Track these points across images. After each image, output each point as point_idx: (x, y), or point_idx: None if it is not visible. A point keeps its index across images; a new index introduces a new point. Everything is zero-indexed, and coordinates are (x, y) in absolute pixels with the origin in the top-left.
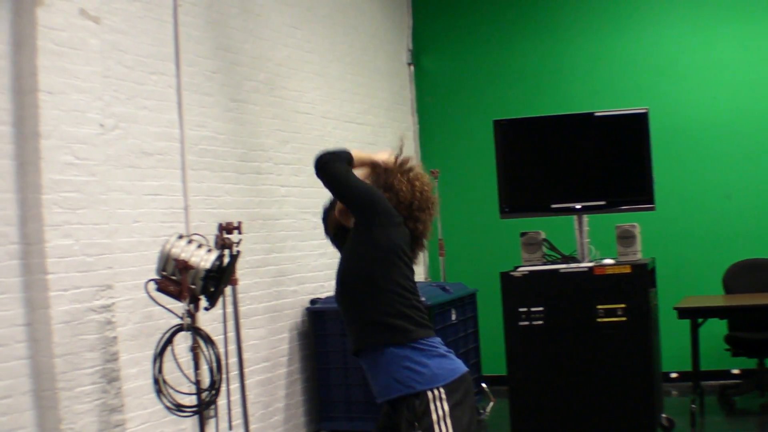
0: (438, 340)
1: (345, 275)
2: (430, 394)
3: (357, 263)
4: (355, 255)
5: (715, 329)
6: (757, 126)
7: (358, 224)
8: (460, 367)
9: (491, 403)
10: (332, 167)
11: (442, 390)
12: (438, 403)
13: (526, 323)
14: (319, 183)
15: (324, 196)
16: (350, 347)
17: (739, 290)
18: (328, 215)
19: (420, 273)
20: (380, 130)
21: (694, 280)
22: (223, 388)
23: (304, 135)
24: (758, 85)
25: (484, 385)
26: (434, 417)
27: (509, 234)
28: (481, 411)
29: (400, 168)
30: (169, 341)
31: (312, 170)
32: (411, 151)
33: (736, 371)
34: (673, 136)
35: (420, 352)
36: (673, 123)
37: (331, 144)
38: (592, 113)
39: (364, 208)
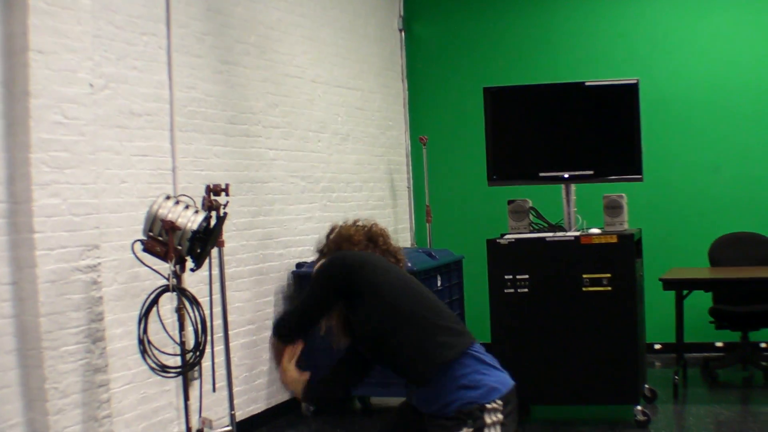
0: (480, 346)
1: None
2: (488, 406)
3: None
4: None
5: (700, 302)
6: (747, 100)
7: (348, 306)
8: (508, 378)
9: None
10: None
11: (498, 402)
12: (493, 415)
13: (512, 291)
14: (308, 147)
15: (313, 160)
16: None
17: (725, 263)
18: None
19: (407, 239)
20: (370, 96)
21: (680, 252)
22: (208, 350)
23: (294, 99)
24: (750, 59)
25: None
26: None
27: (496, 202)
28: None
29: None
30: (154, 302)
31: (301, 134)
32: (400, 118)
33: (719, 344)
34: (662, 108)
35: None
36: (663, 95)
37: (321, 108)
38: (582, 83)
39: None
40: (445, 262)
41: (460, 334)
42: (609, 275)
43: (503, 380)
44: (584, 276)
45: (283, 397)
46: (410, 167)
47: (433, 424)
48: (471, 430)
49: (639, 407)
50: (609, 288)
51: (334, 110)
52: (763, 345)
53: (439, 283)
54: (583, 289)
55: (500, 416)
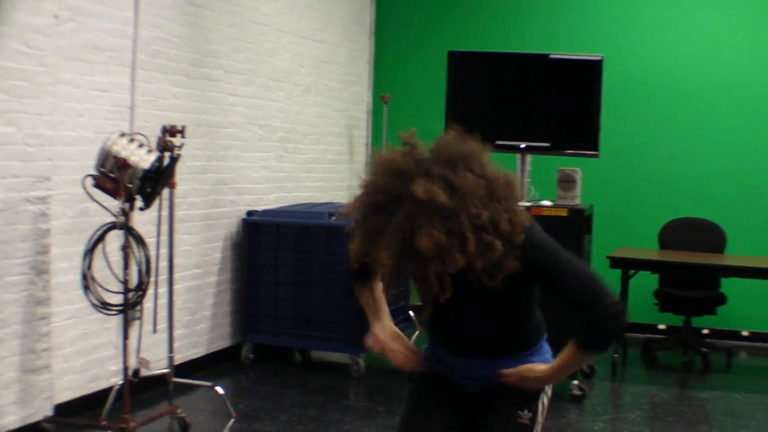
0: None
1: None
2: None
3: None
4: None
5: (647, 283)
6: (710, 90)
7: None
8: None
9: (417, 332)
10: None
11: None
12: (547, 390)
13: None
14: (269, 96)
15: (273, 110)
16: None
17: (674, 247)
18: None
19: None
20: (335, 49)
21: (630, 233)
22: (151, 290)
23: (258, 46)
24: (717, 45)
25: (411, 313)
26: (541, 406)
27: None
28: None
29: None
30: (100, 238)
31: (263, 81)
32: (364, 74)
33: (662, 326)
34: (626, 89)
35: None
36: (628, 75)
37: (285, 58)
38: (547, 55)
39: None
40: None
41: None
42: None
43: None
44: None
45: (224, 343)
46: (370, 124)
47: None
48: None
49: (576, 382)
50: None
51: (298, 61)
52: (705, 331)
53: None
54: None
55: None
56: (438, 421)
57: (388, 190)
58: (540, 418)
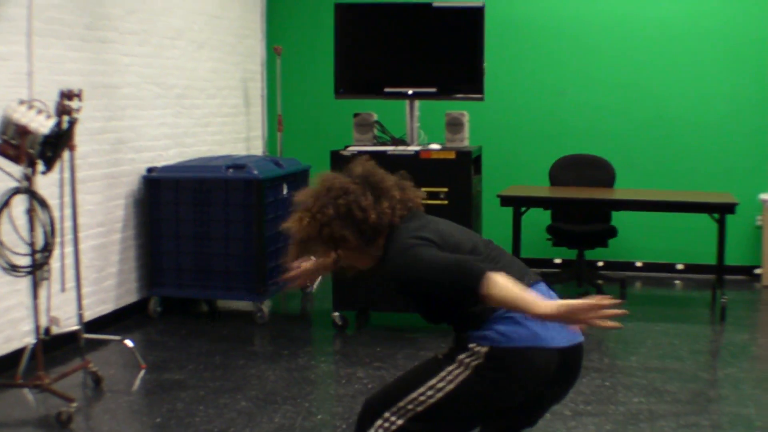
0: None
1: None
2: None
3: None
4: None
5: (539, 219)
6: (594, 24)
7: None
8: None
9: (319, 277)
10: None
11: None
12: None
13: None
14: (163, 54)
15: (168, 67)
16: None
17: (564, 183)
18: None
19: (258, 147)
20: (228, 4)
21: (521, 171)
22: (57, 251)
23: (151, 6)
24: None
25: (313, 258)
26: (461, 362)
27: (346, 114)
28: (309, 285)
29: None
30: (5, 203)
31: (157, 41)
32: (256, 27)
33: (557, 260)
34: (510, 30)
35: None
36: (512, 17)
37: (178, 16)
38: (429, 4)
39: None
40: (292, 171)
41: None
42: (446, 189)
43: None
44: (422, 189)
45: (131, 298)
46: (264, 77)
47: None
48: None
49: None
50: (446, 202)
51: (192, 18)
52: (599, 264)
53: (285, 192)
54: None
55: None
56: None
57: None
58: (455, 370)
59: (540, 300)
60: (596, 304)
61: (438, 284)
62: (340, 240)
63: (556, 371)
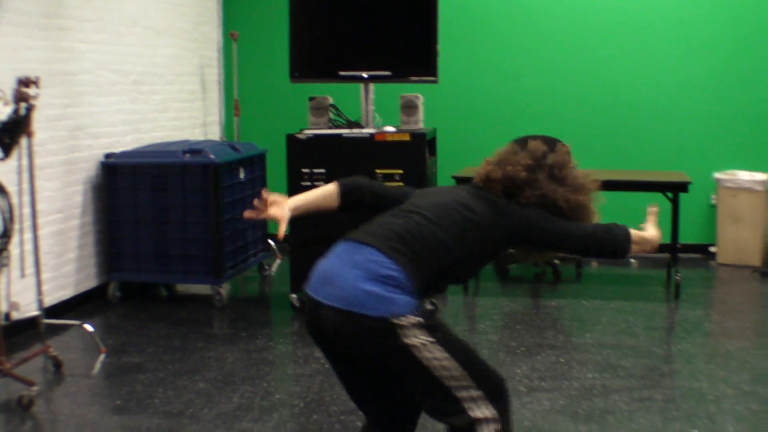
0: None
1: None
2: None
3: None
4: None
5: None
6: (548, 6)
7: None
8: None
9: (277, 260)
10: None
11: None
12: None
13: (308, 184)
14: (120, 41)
15: (125, 54)
16: None
17: None
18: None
19: (215, 132)
20: None
21: (476, 153)
22: (17, 237)
23: None
24: None
25: (270, 242)
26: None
27: (302, 98)
28: (266, 267)
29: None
30: None
31: (114, 28)
32: (213, 14)
33: None
34: (464, 12)
35: None
36: (468, 1)
37: (134, 3)
38: None
39: None
40: (249, 155)
41: None
42: (401, 171)
43: None
44: (377, 171)
45: (90, 283)
46: (221, 62)
47: None
48: None
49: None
50: (401, 183)
51: (148, 4)
52: None
53: (242, 176)
54: None
55: None
56: None
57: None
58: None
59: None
60: None
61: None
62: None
63: None
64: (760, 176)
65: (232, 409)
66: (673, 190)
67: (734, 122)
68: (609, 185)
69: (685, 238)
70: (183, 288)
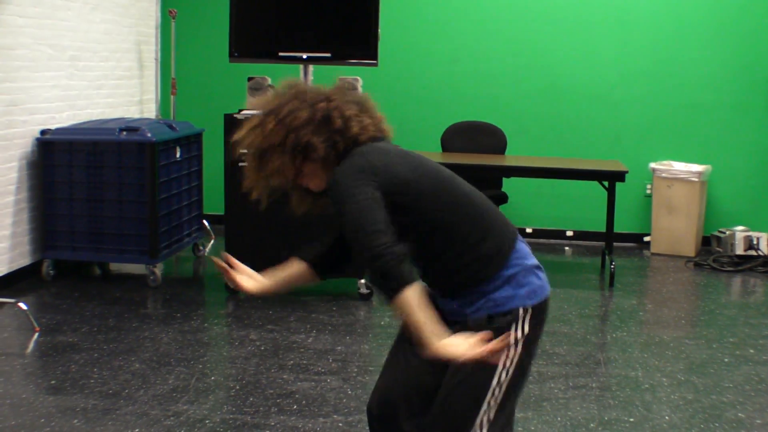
0: None
1: None
2: None
3: None
4: None
5: None
6: None
7: None
8: None
9: (212, 241)
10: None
11: None
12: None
13: (245, 164)
14: (57, 15)
15: (62, 29)
16: None
17: (456, 150)
18: None
19: (152, 110)
20: None
21: (413, 137)
22: None
23: None
24: None
25: (205, 222)
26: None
27: (240, 78)
28: (201, 247)
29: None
30: None
31: (50, 2)
32: None
33: None
34: None
35: None
36: None
37: None
38: None
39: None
40: (186, 134)
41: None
42: None
43: None
44: None
45: (24, 261)
46: (158, 39)
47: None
48: None
49: (363, 281)
50: None
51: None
52: None
53: (178, 155)
54: None
55: None
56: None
57: None
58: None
59: (438, 338)
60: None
61: (347, 230)
62: (307, 149)
63: None
64: (695, 167)
65: (167, 391)
66: (610, 179)
67: (671, 113)
68: (546, 172)
69: (620, 227)
70: (117, 267)
